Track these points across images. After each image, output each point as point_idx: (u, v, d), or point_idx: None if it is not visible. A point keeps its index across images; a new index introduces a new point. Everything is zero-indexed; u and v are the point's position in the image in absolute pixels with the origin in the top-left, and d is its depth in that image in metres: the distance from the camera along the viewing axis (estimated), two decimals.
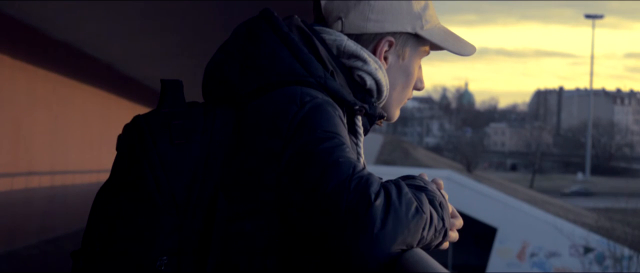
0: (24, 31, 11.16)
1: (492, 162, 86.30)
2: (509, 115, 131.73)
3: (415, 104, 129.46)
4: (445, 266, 1.77)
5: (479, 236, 32.62)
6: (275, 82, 1.54)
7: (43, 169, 12.50)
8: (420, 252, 1.57)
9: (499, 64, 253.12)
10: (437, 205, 1.52)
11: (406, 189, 1.47)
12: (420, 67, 1.76)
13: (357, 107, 1.60)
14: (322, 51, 1.60)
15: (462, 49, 1.74)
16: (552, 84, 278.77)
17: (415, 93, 1.82)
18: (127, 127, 1.58)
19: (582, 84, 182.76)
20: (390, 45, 1.69)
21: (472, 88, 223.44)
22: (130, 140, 1.56)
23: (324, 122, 1.49)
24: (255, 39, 1.59)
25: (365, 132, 1.66)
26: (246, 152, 1.51)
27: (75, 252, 1.58)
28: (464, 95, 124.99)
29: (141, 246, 1.49)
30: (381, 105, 1.70)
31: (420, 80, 1.76)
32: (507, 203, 31.93)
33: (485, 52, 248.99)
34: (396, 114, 1.78)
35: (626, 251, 27.58)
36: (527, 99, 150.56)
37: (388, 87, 1.68)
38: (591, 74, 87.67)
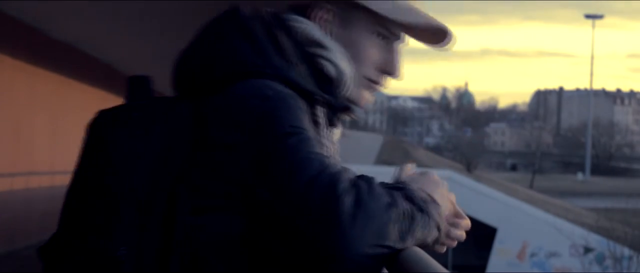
0: (24, 31, 11.16)
1: (492, 162, 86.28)
2: (509, 115, 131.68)
3: (415, 104, 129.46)
4: (445, 266, 1.76)
5: (479, 236, 32.60)
6: (234, 74, 1.53)
7: (43, 169, 12.50)
8: (420, 252, 1.57)
9: (500, 64, 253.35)
10: (419, 201, 1.49)
11: (376, 184, 1.45)
12: (391, 51, 1.69)
13: (317, 97, 1.56)
14: (284, 41, 1.57)
15: (417, 19, 1.67)
16: (552, 84, 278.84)
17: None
18: (91, 122, 1.60)
19: (583, 84, 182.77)
20: (328, 13, 1.64)
21: (472, 88, 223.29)
22: (91, 133, 1.58)
23: (289, 116, 1.46)
24: (216, 33, 1.60)
25: (332, 124, 1.63)
26: (209, 145, 1.49)
27: (43, 246, 1.59)
28: (464, 95, 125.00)
29: (101, 238, 1.49)
30: (349, 95, 1.65)
31: (389, 63, 1.69)
32: (507, 203, 31.95)
33: (487, 52, 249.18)
34: (362, 98, 1.69)
35: (626, 251, 27.58)
36: (527, 99, 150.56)
37: (353, 75, 1.63)
38: (591, 74, 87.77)
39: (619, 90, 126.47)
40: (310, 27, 1.61)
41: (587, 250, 29.27)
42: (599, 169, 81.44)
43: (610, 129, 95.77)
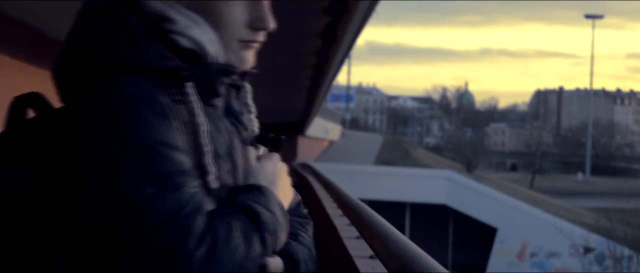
0: (24, 31, 11.17)
1: (492, 162, 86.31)
2: (509, 115, 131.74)
3: (415, 104, 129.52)
4: (445, 266, 1.75)
5: (479, 236, 32.62)
6: (91, 74, 1.43)
7: None
8: (420, 252, 1.57)
9: (501, 64, 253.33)
10: (274, 242, 1.43)
11: (237, 233, 1.35)
12: (257, 4, 1.54)
13: (184, 73, 1.42)
14: (135, 24, 1.45)
15: None
16: (552, 84, 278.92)
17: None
18: None
19: (583, 84, 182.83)
20: None
21: (472, 88, 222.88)
22: None
23: (139, 126, 1.34)
24: (70, 34, 1.51)
25: (215, 95, 1.50)
26: (69, 159, 1.40)
27: None
28: (464, 95, 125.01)
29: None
30: (228, 61, 1.52)
31: (258, 18, 1.54)
32: (507, 203, 31.95)
33: (488, 52, 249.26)
34: (242, 60, 1.55)
35: (626, 251, 27.60)
36: (527, 99, 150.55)
37: (213, 40, 1.50)
38: (591, 74, 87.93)
39: (619, 90, 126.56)
40: (155, 4, 1.48)
41: (587, 250, 29.28)
42: (599, 169, 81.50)
43: (610, 128, 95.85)
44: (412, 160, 50.56)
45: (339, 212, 6.17)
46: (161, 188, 1.32)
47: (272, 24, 1.54)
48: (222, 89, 1.51)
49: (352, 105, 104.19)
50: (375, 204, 10.11)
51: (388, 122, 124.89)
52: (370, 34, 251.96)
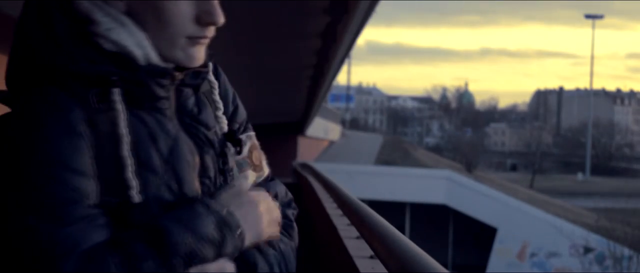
0: None
1: (492, 162, 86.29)
2: (509, 115, 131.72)
3: (415, 104, 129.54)
4: (445, 266, 1.74)
5: (479, 236, 32.63)
6: (19, 80, 1.39)
7: None
8: (420, 252, 1.57)
9: (501, 64, 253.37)
10: (180, 261, 1.33)
11: (113, 270, 1.28)
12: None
13: (113, 78, 1.36)
14: (62, 26, 1.38)
15: None
16: (552, 84, 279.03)
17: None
18: None
19: (583, 84, 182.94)
20: None
21: (472, 88, 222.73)
22: None
23: (40, 148, 1.30)
24: (13, 38, 1.44)
25: (152, 98, 1.41)
26: None
27: None
28: (464, 95, 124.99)
29: None
30: (174, 59, 1.43)
31: (206, 12, 1.43)
32: (507, 203, 31.95)
33: (488, 52, 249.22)
34: (190, 56, 1.44)
35: (626, 251, 27.61)
36: (527, 99, 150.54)
37: (141, 43, 1.40)
38: (591, 74, 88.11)
39: (619, 90, 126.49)
40: (85, 4, 1.39)
41: (587, 250, 29.28)
42: (599, 169, 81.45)
43: (610, 128, 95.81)
44: (412, 160, 50.53)
45: (339, 212, 6.17)
46: (43, 220, 1.27)
47: (221, 19, 1.44)
48: (163, 91, 1.42)
49: (352, 105, 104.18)
50: (375, 204, 10.12)
51: (388, 122, 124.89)
52: (370, 34, 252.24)
